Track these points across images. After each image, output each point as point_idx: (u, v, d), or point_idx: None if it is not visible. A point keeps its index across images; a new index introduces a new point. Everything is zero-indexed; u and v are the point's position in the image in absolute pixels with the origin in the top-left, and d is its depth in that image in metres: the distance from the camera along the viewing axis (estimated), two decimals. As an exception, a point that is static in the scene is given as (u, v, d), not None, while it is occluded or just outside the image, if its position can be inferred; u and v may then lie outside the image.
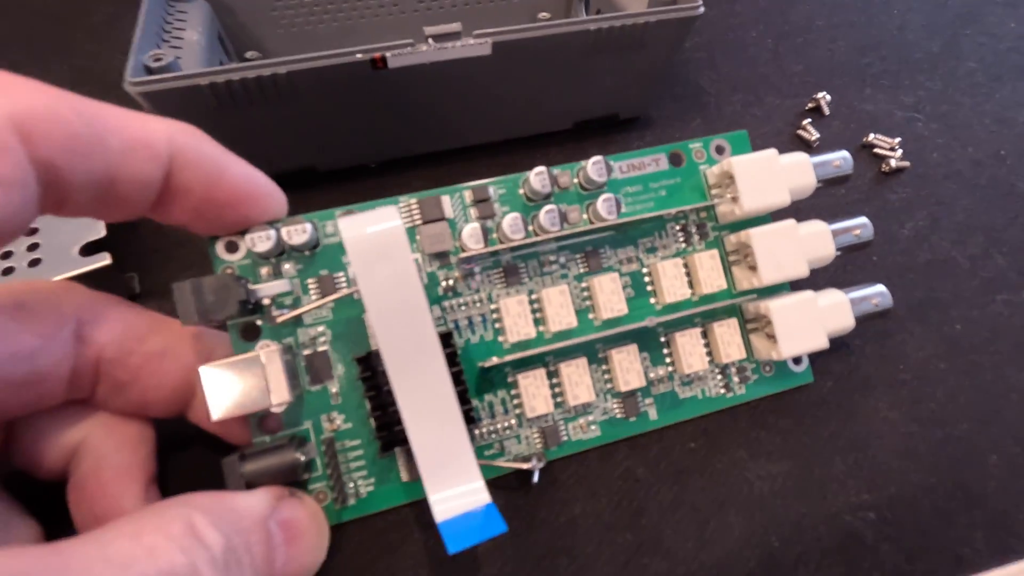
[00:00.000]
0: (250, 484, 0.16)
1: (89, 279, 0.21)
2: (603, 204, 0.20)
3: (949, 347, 0.23)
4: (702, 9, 0.26)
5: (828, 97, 0.32)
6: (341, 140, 0.27)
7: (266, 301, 0.18)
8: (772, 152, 0.21)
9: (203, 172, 0.16)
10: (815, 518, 0.19)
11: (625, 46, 0.26)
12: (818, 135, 0.31)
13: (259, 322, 0.18)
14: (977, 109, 0.33)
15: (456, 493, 0.16)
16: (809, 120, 0.31)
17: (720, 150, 0.23)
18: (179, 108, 0.23)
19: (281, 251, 0.19)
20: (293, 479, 0.17)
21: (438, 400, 0.16)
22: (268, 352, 0.17)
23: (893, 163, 0.29)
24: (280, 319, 0.18)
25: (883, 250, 0.26)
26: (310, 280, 0.19)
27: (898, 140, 0.30)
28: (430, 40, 0.24)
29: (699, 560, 0.17)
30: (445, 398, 0.16)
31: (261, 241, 0.18)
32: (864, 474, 0.20)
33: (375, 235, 0.15)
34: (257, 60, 0.32)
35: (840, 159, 0.22)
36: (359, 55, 0.23)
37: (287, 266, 0.19)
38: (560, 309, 0.19)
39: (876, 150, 0.30)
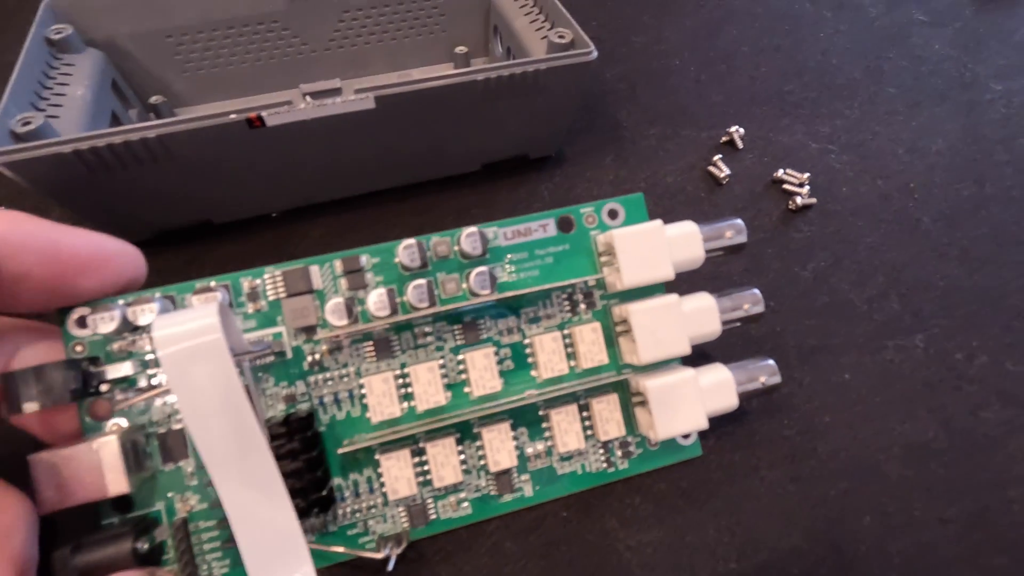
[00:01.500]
0: None
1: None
2: (476, 279, 0.20)
3: (836, 398, 0.23)
4: (594, 55, 0.26)
5: (742, 130, 0.32)
6: (233, 193, 0.26)
7: (104, 388, 0.18)
8: (657, 224, 0.20)
9: (34, 253, 0.15)
10: (681, 590, 0.18)
11: (521, 92, 0.26)
12: (728, 171, 0.30)
13: (109, 398, 0.18)
14: (892, 138, 0.33)
15: None
16: (720, 156, 0.31)
17: (613, 215, 0.22)
18: (48, 177, 0.22)
19: (134, 328, 0.19)
20: (129, 568, 0.16)
21: (269, 505, 0.15)
22: (102, 441, 0.16)
23: (799, 200, 0.29)
24: (122, 405, 0.18)
25: (782, 293, 0.26)
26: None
27: (807, 176, 0.30)
28: (307, 97, 0.23)
29: (557, 640, 0.17)
30: (277, 504, 0.15)
31: (104, 322, 0.18)
32: (736, 540, 0.19)
33: (187, 334, 0.15)
34: (153, 108, 0.31)
35: (732, 229, 0.21)
36: (233, 115, 0.22)
37: (142, 341, 0.18)
38: (428, 387, 0.19)
39: (785, 186, 0.30)
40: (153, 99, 0.31)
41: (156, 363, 0.18)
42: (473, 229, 0.20)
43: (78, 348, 0.18)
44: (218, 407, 0.15)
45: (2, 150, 0.21)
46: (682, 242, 0.20)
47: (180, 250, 0.27)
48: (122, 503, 0.18)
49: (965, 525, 0.20)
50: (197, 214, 0.27)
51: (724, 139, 0.32)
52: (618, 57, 0.37)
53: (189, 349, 0.14)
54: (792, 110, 0.34)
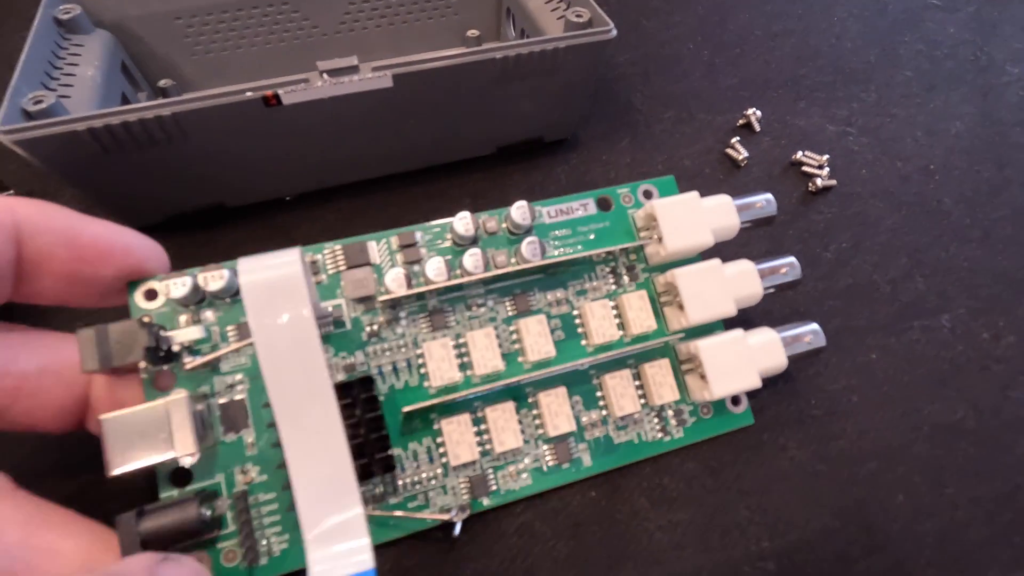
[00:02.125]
0: (146, 544, 0.15)
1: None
2: (527, 247, 0.20)
3: (863, 379, 0.23)
4: (614, 33, 0.25)
5: (759, 113, 0.32)
6: (246, 176, 0.26)
7: (176, 348, 0.18)
8: (694, 195, 0.21)
9: (58, 234, 0.15)
10: (714, 570, 0.18)
11: (538, 72, 0.26)
12: (746, 154, 0.30)
13: (176, 371, 0.18)
14: (909, 121, 0.32)
15: (339, 552, 0.15)
16: (738, 138, 0.31)
17: (648, 195, 0.23)
18: (61, 156, 0.22)
19: (201, 298, 0.19)
20: (196, 537, 0.16)
21: (327, 452, 0.15)
22: (174, 401, 0.16)
23: (820, 182, 0.29)
24: (190, 366, 0.18)
25: (804, 274, 0.26)
26: (230, 327, 0.19)
27: (826, 157, 0.30)
28: (324, 75, 0.23)
29: (589, 621, 0.17)
30: (335, 451, 0.15)
31: (177, 287, 0.18)
32: (767, 519, 0.19)
33: (270, 277, 0.15)
34: (162, 92, 0.31)
35: (763, 201, 0.22)
36: (249, 93, 0.22)
37: (207, 313, 0.19)
38: (486, 352, 0.19)
39: (804, 168, 0.30)
40: (162, 83, 0.31)
41: (223, 335, 0.19)
42: (522, 202, 0.21)
43: (145, 320, 0.18)
44: (291, 344, 0.15)
45: (15, 127, 0.20)
46: (718, 211, 0.21)
47: (192, 234, 0.27)
48: (181, 476, 0.17)
49: (997, 504, 0.20)
50: (210, 197, 0.26)
51: (741, 122, 0.32)
52: (629, 42, 0.37)
53: (270, 281, 0.15)
54: (808, 94, 0.34)
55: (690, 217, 0.21)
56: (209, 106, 0.22)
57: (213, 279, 0.18)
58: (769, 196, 0.22)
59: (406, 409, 0.18)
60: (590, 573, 0.18)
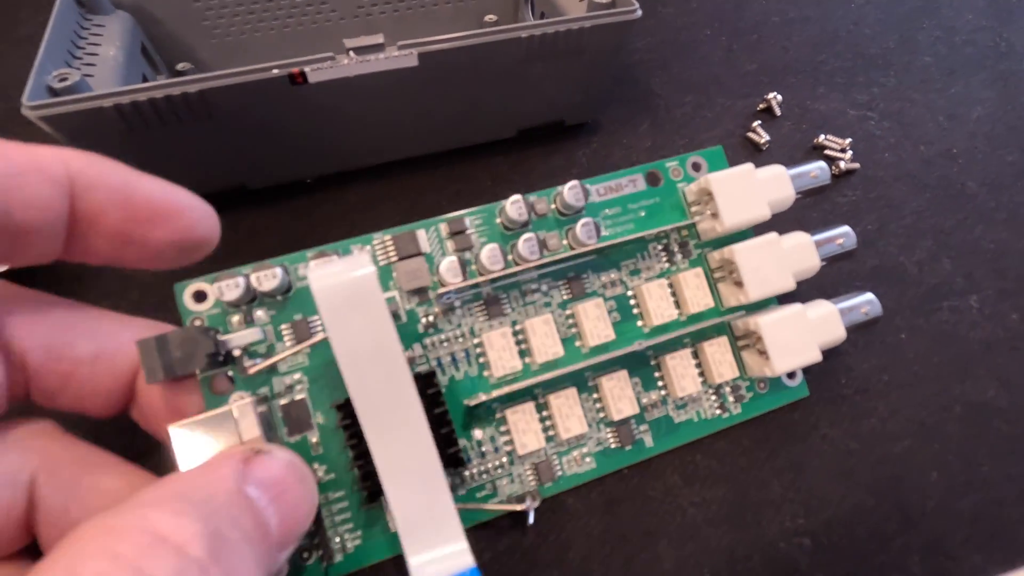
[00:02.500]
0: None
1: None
2: (582, 229, 0.20)
3: (893, 358, 0.22)
4: (639, 13, 0.25)
5: (779, 97, 0.32)
6: (269, 157, 0.26)
7: (237, 352, 0.17)
8: (749, 167, 0.21)
9: (112, 190, 0.15)
10: (748, 546, 0.18)
11: (562, 52, 0.26)
12: (768, 137, 0.30)
13: (231, 373, 0.17)
14: (930, 106, 0.32)
15: (438, 556, 0.15)
16: (759, 122, 0.31)
17: (696, 167, 0.22)
18: (86, 132, 0.21)
19: (252, 298, 0.18)
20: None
21: (417, 456, 0.15)
22: (240, 406, 0.16)
23: (843, 165, 0.29)
24: (252, 370, 0.17)
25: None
26: (284, 326, 0.18)
27: (848, 141, 0.30)
28: (351, 53, 0.23)
29: (626, 596, 0.17)
30: (425, 454, 0.15)
31: (230, 289, 0.17)
32: (801, 497, 0.19)
33: (345, 284, 0.15)
34: (180, 75, 0.31)
35: (817, 169, 0.21)
36: (276, 71, 0.22)
37: (259, 312, 0.18)
38: (545, 339, 0.19)
39: (827, 152, 0.29)
40: (180, 66, 0.31)
41: (277, 333, 0.18)
42: (575, 182, 0.20)
43: (197, 323, 0.18)
44: (372, 352, 0.14)
45: (41, 103, 0.20)
46: (773, 183, 0.21)
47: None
48: None
49: (1031, 483, 0.20)
50: (232, 178, 0.26)
51: (761, 107, 0.32)
52: (647, 28, 0.37)
53: (346, 289, 0.14)
54: (827, 79, 0.34)
55: (746, 191, 0.20)
56: (235, 83, 0.22)
57: (266, 278, 0.18)
58: (822, 164, 0.21)
59: (469, 402, 0.18)
60: (624, 549, 0.18)
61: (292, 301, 0.18)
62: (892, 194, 0.28)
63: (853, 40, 0.36)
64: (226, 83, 0.22)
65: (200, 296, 0.18)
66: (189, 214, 0.16)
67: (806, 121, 0.31)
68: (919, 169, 0.29)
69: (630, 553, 0.18)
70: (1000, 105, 0.32)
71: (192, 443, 0.15)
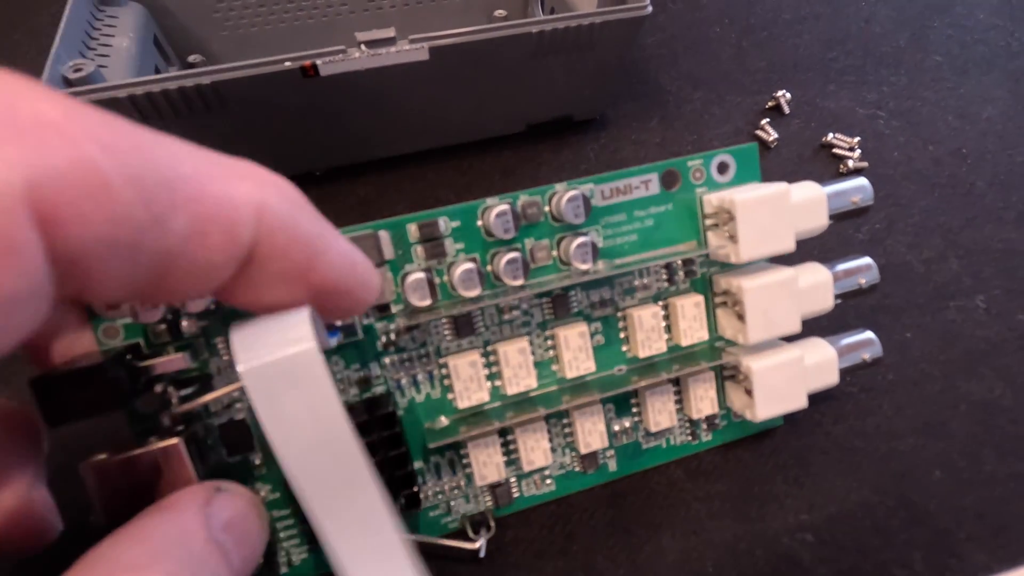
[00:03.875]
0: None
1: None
2: (577, 251, 0.17)
3: (899, 356, 0.22)
4: (650, 9, 0.25)
5: (788, 95, 0.32)
6: (278, 149, 0.26)
7: (158, 388, 0.15)
8: (784, 188, 0.17)
9: (295, 259, 0.11)
10: (751, 541, 0.18)
11: (572, 47, 0.26)
12: (776, 135, 0.30)
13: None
14: (940, 105, 0.32)
15: None
16: (768, 120, 0.31)
17: (723, 168, 0.19)
18: (100, 121, 0.22)
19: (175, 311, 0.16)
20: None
21: (380, 542, 0.13)
22: (165, 446, 0.14)
23: (851, 164, 0.29)
24: (183, 409, 0.15)
25: (836, 255, 0.26)
26: (219, 339, 0.16)
27: (857, 140, 0.30)
28: (362, 46, 0.23)
29: (630, 587, 0.17)
30: (387, 537, 0.13)
31: (147, 312, 0.15)
32: (804, 492, 0.19)
33: (280, 361, 0.11)
34: (191, 68, 0.31)
35: (859, 193, 0.19)
36: (288, 63, 0.22)
37: (186, 323, 0.15)
38: (519, 370, 0.17)
39: (835, 150, 0.29)
40: (192, 58, 0.31)
41: (211, 348, 0.16)
42: (575, 192, 0.17)
43: (111, 334, 0.15)
44: (318, 440, 0.12)
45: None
46: (807, 209, 0.18)
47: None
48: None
49: (1036, 482, 0.20)
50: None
51: (770, 104, 0.32)
52: (657, 24, 0.37)
53: (280, 370, 0.11)
54: (837, 77, 0.34)
55: (774, 219, 0.17)
56: (247, 75, 0.22)
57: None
58: (863, 182, 0.19)
59: (431, 445, 0.17)
60: (629, 541, 0.18)
61: (227, 311, 0.16)
62: (900, 193, 0.28)
63: (864, 38, 0.36)
64: (238, 75, 0.22)
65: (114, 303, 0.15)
66: (360, 292, 0.13)
67: (815, 119, 0.31)
68: (928, 168, 0.29)
69: (634, 545, 0.18)
70: (1012, 104, 0.32)
71: (111, 484, 0.14)
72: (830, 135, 0.30)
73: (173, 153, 0.10)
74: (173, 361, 0.15)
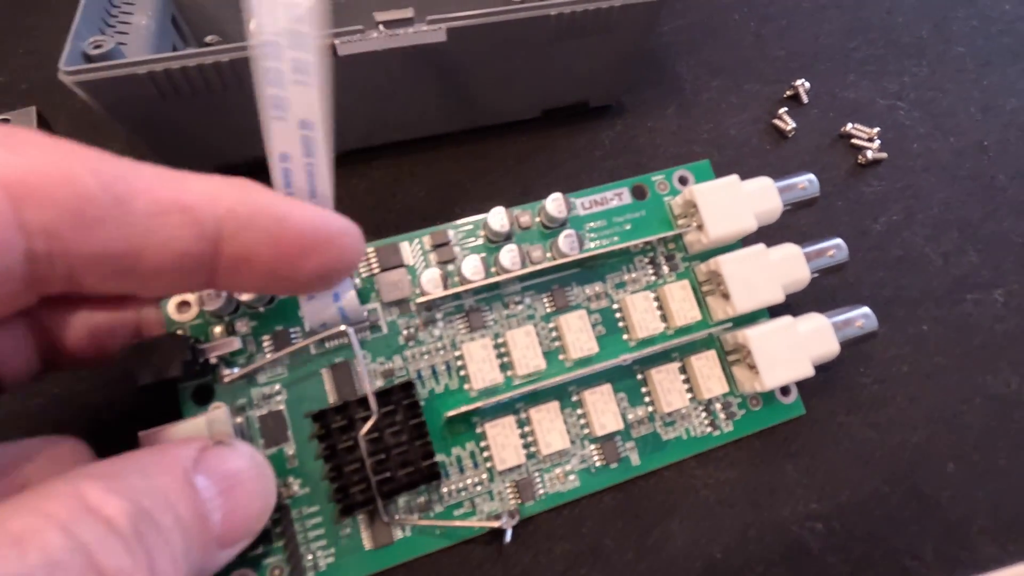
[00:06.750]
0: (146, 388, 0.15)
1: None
2: (564, 240, 0.20)
3: (914, 348, 0.22)
4: (670, -7, 0.25)
5: (807, 84, 0.31)
6: (296, 130, 0.26)
7: (213, 360, 0.18)
8: (733, 178, 0.21)
9: (263, 231, 0.13)
10: (761, 528, 0.18)
11: (590, 31, 0.25)
12: (794, 124, 0.30)
13: (211, 383, 0.18)
14: (963, 96, 0.32)
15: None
16: (786, 109, 0.30)
17: (683, 181, 0.23)
18: (120, 99, 0.22)
19: (235, 308, 0.19)
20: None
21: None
22: (212, 416, 0.16)
23: (870, 154, 0.28)
24: (228, 379, 0.18)
25: (854, 245, 0.25)
26: (264, 337, 0.19)
27: (876, 130, 0.29)
28: (380, 26, 0.23)
29: (637, 571, 0.17)
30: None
31: (211, 299, 0.18)
32: (815, 482, 0.19)
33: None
34: (208, 47, 0.31)
35: (805, 182, 0.21)
36: (306, 42, 0.22)
37: (240, 324, 0.19)
38: (527, 351, 0.19)
39: (853, 140, 0.29)
40: (209, 39, 0.31)
41: (257, 344, 0.18)
42: (557, 195, 0.20)
43: (179, 333, 0.18)
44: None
45: (78, 68, 0.20)
46: (759, 195, 0.20)
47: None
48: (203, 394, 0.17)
49: (1050, 477, 0.20)
50: (258, 149, 0.27)
51: (788, 93, 0.31)
52: (675, 11, 0.36)
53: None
54: (858, 67, 0.33)
55: (731, 202, 0.20)
56: (266, 54, 0.22)
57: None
58: (811, 176, 0.21)
59: (449, 414, 0.18)
60: (638, 524, 0.18)
61: (273, 312, 0.19)
62: (920, 184, 0.28)
63: (886, 28, 0.36)
64: (257, 54, 0.22)
65: (184, 306, 0.18)
66: (339, 241, 0.15)
67: (834, 109, 0.31)
68: (949, 160, 0.29)
69: (643, 529, 0.18)
70: (1035, 97, 0.32)
71: None
72: (848, 125, 0.30)
73: (128, 164, 0.12)
74: (225, 344, 0.18)
